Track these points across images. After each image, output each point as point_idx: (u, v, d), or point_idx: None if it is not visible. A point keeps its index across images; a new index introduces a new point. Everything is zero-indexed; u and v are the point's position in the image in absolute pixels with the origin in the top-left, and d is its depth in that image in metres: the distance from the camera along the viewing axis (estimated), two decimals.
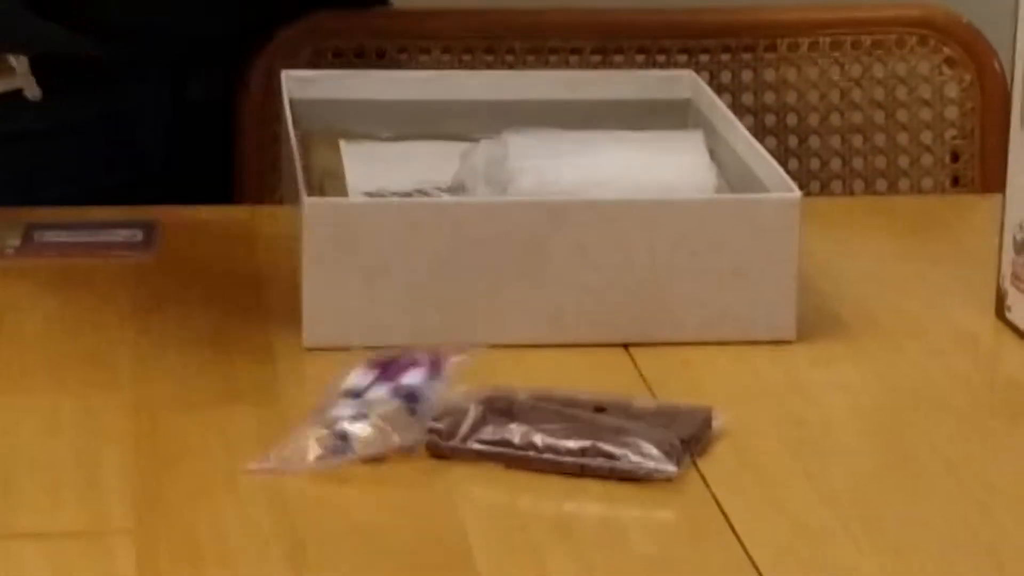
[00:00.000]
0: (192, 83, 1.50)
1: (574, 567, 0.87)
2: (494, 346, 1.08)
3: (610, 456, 0.94)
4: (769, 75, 1.53)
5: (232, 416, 1.02)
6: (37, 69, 1.45)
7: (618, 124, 1.26)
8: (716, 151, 1.21)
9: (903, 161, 1.53)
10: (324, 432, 0.94)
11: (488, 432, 0.96)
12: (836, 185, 1.54)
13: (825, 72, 1.53)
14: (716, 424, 0.99)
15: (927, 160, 1.53)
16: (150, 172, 1.47)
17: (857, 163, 1.53)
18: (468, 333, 1.09)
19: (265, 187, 1.45)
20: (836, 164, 1.53)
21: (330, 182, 1.20)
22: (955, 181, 1.52)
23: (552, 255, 1.10)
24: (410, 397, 0.96)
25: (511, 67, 1.50)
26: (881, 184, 1.53)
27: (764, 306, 1.12)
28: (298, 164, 1.17)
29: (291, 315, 1.11)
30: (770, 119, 1.53)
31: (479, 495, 0.94)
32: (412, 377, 0.97)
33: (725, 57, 1.53)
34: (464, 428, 0.96)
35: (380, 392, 0.97)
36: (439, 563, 0.88)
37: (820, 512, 0.92)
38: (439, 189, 1.20)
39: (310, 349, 1.09)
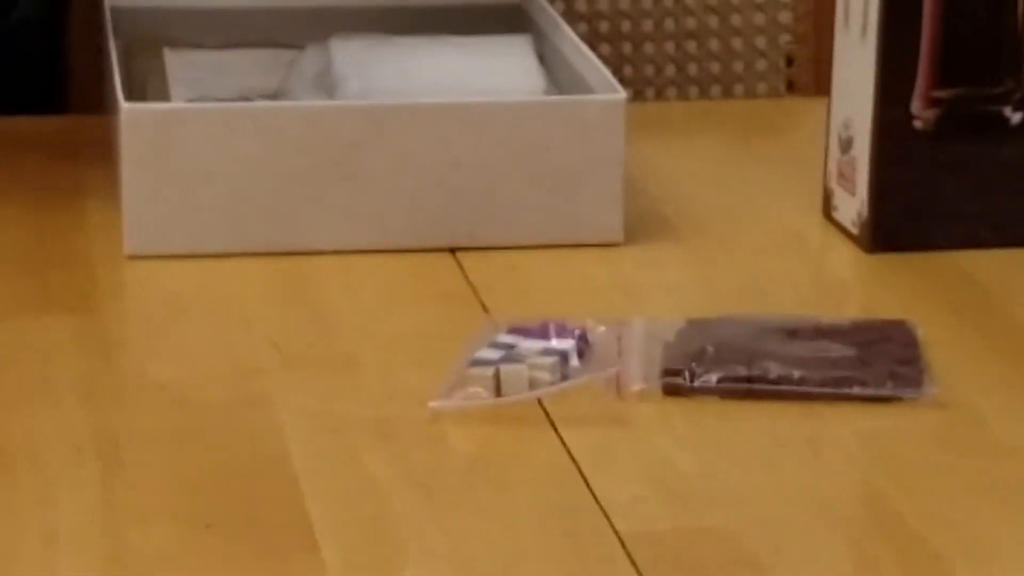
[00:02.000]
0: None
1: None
2: (318, 252, 1.09)
3: (865, 383, 0.94)
4: None
5: (48, 325, 1.01)
6: None
7: (447, 30, 1.26)
8: (545, 56, 1.22)
9: (738, 66, 1.54)
10: (491, 374, 0.93)
11: (719, 367, 0.95)
12: (671, 91, 1.54)
13: None
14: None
15: (762, 65, 1.54)
16: None
17: (692, 69, 1.54)
18: (291, 240, 1.10)
19: (90, 100, 1.44)
20: (671, 70, 1.54)
21: (153, 90, 1.20)
22: (790, 85, 1.54)
23: (375, 160, 1.10)
24: (562, 358, 0.95)
25: None
26: (716, 90, 1.55)
27: (591, 209, 1.12)
28: (116, 71, 1.16)
29: (113, 224, 1.11)
30: (604, 25, 1.53)
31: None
32: (559, 341, 0.96)
33: None
34: (696, 366, 0.95)
35: (532, 345, 0.96)
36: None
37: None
38: (263, 97, 1.20)
39: (131, 257, 1.09)
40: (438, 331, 0.99)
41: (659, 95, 1.54)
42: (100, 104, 1.44)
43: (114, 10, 1.26)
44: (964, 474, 0.88)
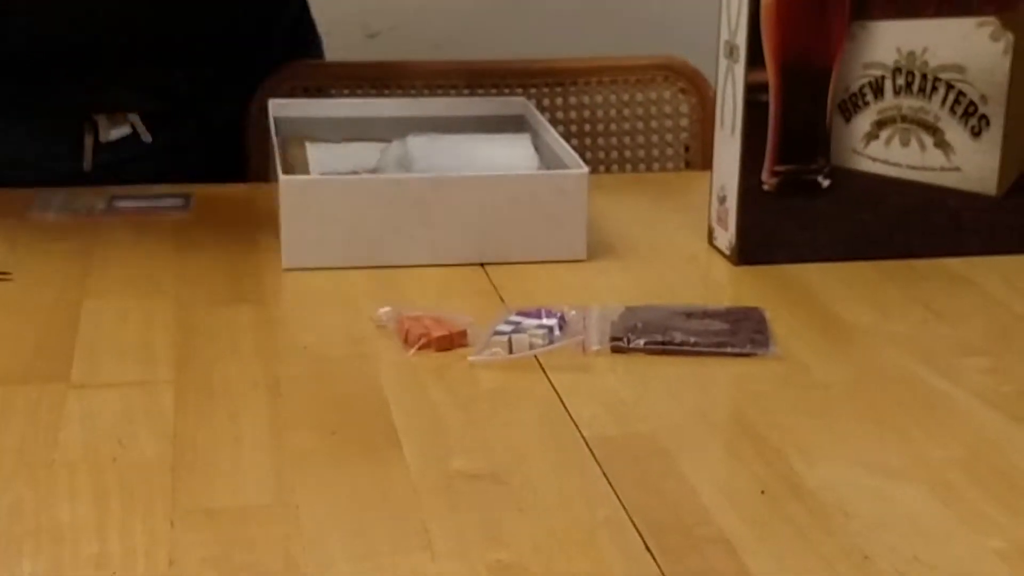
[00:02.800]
0: (226, 109, 1.48)
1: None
2: (401, 266, 1.08)
3: (733, 345, 0.94)
4: (572, 100, 1.53)
5: (238, 310, 1.01)
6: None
7: (478, 129, 1.26)
8: (539, 146, 1.21)
9: (656, 152, 1.54)
10: (506, 340, 0.93)
11: (645, 335, 0.94)
12: (615, 167, 1.54)
13: (607, 97, 1.53)
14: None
15: (670, 151, 1.53)
16: (191, 162, 1.43)
17: (627, 153, 1.54)
18: (384, 258, 1.09)
19: (263, 174, 1.44)
20: (614, 154, 1.54)
21: (299, 168, 1.20)
22: (687, 164, 1.53)
23: (435, 210, 1.09)
24: (551, 329, 0.95)
25: (412, 96, 1.49)
26: (642, 167, 1.54)
27: (566, 239, 1.11)
28: (277, 155, 1.16)
29: (275, 249, 1.10)
30: (573, 127, 1.53)
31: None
32: (547, 320, 0.96)
33: (545, 89, 1.53)
34: (631, 334, 0.94)
35: (531, 323, 0.95)
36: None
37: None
38: (367, 171, 1.19)
39: (287, 269, 1.08)
40: (474, 314, 0.98)
41: (607, 170, 1.54)
42: (265, 176, 1.44)
43: (276, 118, 1.26)
44: (794, 399, 0.88)
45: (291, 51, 1.51)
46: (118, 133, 1.40)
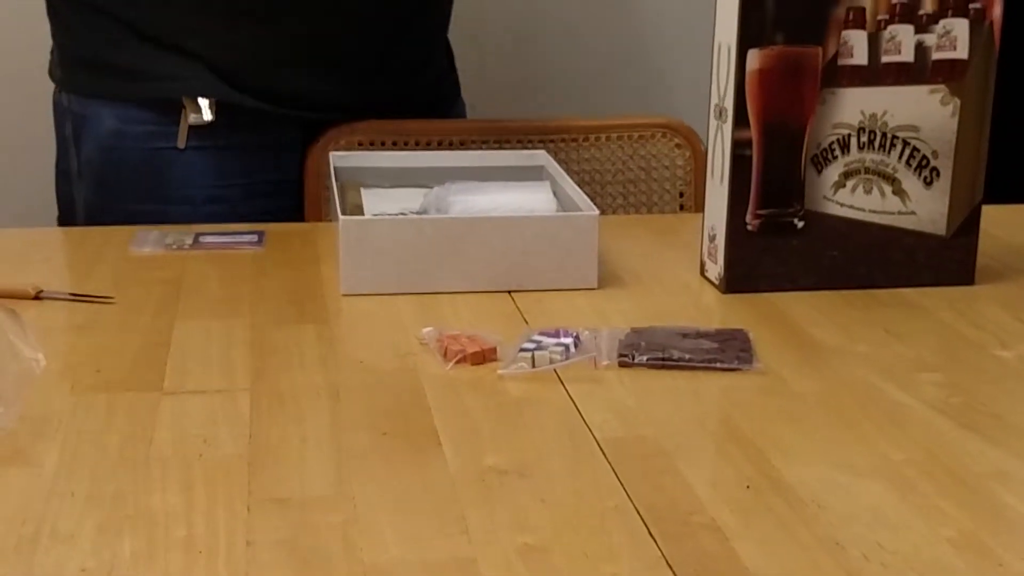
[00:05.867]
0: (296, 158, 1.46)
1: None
2: (441, 293, 1.08)
3: (722, 361, 0.93)
4: (585, 153, 1.53)
5: (304, 330, 1.01)
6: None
7: (506, 178, 1.25)
8: (557, 192, 1.21)
9: (655, 197, 1.53)
10: (530, 356, 0.93)
11: (647, 352, 0.94)
12: (621, 210, 1.53)
13: (614, 151, 1.53)
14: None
15: (668, 197, 1.53)
16: (264, 203, 1.42)
17: (631, 198, 1.53)
18: (427, 285, 1.08)
19: (323, 215, 1.44)
20: (620, 200, 1.53)
21: (354, 209, 1.20)
22: (682, 207, 1.53)
23: (470, 245, 1.09)
24: (568, 347, 0.94)
25: (450, 149, 1.49)
26: (644, 209, 1.54)
27: (580, 270, 1.10)
28: (336, 199, 1.16)
29: (335, 277, 1.10)
30: (586, 176, 1.53)
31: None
32: (565, 339, 0.95)
33: (562, 144, 1.53)
34: (635, 352, 0.94)
35: (551, 341, 0.95)
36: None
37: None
38: (414, 212, 1.19)
39: (345, 295, 1.08)
40: (502, 333, 0.97)
41: (614, 212, 1.53)
42: (318, 215, 1.43)
43: (336, 168, 1.26)
44: (775, 408, 0.88)
45: (432, 107, 1.49)
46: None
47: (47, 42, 1.44)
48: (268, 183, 1.42)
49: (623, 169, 1.52)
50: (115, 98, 1.37)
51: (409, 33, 1.42)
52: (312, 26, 1.36)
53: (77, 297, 1.05)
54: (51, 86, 1.44)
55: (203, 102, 1.35)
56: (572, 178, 1.21)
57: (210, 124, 1.36)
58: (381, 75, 1.42)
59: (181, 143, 1.36)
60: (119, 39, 1.36)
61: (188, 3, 1.33)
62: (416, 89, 1.47)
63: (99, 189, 1.40)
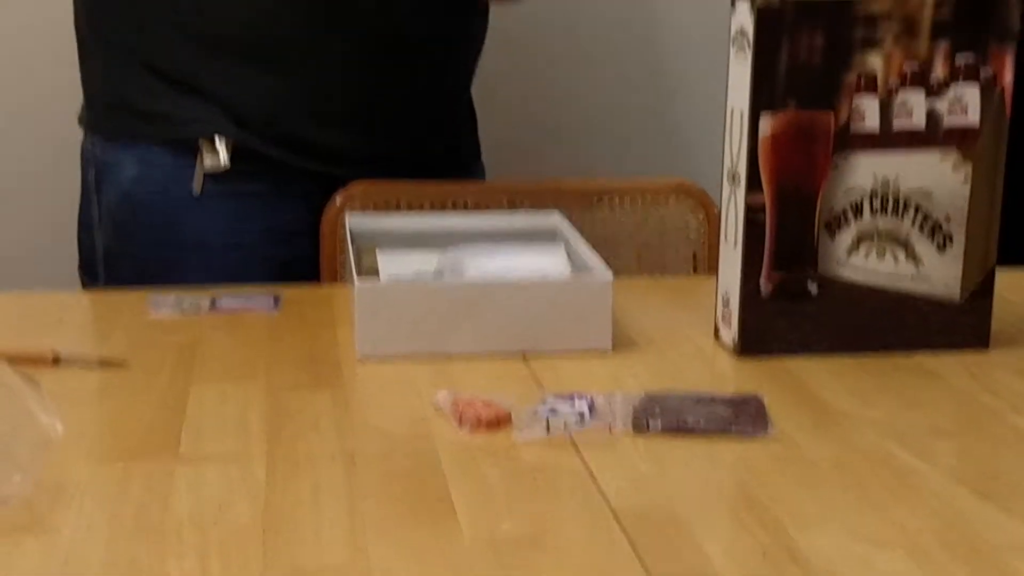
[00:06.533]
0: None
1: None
2: (455, 356, 1.08)
3: (737, 427, 0.93)
4: (599, 216, 1.54)
5: (319, 394, 1.01)
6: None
7: (521, 240, 1.26)
8: (571, 255, 1.21)
9: (669, 260, 1.53)
10: (545, 421, 0.93)
11: (662, 418, 0.94)
12: (635, 272, 1.54)
13: (628, 212, 1.54)
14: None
15: (681, 258, 1.53)
16: (280, 250, 1.42)
17: (645, 261, 1.54)
18: (441, 348, 1.08)
19: (338, 277, 1.45)
20: (634, 262, 1.54)
21: (370, 271, 1.20)
22: (695, 269, 1.53)
23: (484, 309, 1.09)
24: (582, 413, 0.94)
25: (465, 211, 1.50)
26: (657, 272, 1.54)
27: (594, 333, 1.10)
28: (352, 262, 1.17)
29: (350, 341, 1.10)
30: (600, 238, 1.52)
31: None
32: (581, 404, 0.95)
33: (576, 207, 1.53)
34: (650, 418, 0.94)
35: (565, 406, 0.95)
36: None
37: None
38: (429, 275, 1.19)
39: (360, 359, 1.08)
40: (517, 398, 0.98)
41: (628, 274, 1.53)
42: (339, 278, 1.44)
43: (351, 230, 1.26)
44: (790, 475, 0.88)
45: (450, 168, 1.50)
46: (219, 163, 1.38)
47: (78, 91, 1.47)
48: (284, 231, 1.43)
49: (637, 231, 1.53)
50: (135, 141, 1.40)
51: (429, 89, 1.43)
52: (327, 78, 1.37)
53: (94, 362, 1.06)
54: (78, 137, 1.46)
55: (220, 145, 1.36)
56: (586, 240, 1.22)
57: (226, 171, 1.37)
58: (398, 130, 1.43)
59: (197, 188, 1.37)
60: (141, 81, 1.38)
61: (207, 47, 1.35)
62: (434, 148, 1.48)
63: (117, 236, 1.41)
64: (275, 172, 1.40)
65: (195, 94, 1.37)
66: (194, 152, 1.37)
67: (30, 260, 1.82)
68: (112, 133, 1.42)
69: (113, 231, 1.42)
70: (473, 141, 1.56)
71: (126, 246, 1.41)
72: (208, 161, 1.36)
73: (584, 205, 1.53)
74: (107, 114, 1.43)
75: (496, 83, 1.89)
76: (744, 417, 0.95)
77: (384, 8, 1.36)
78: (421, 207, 1.48)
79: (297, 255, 1.42)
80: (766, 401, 0.98)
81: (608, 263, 1.14)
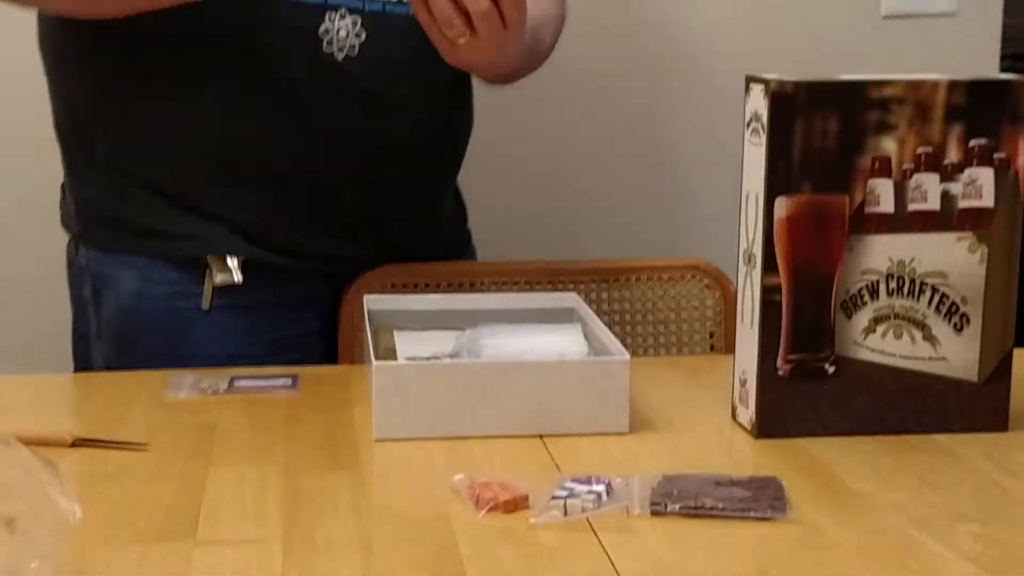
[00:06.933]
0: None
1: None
2: (473, 437, 1.08)
3: (756, 510, 0.93)
4: (616, 294, 1.54)
5: (337, 476, 1.01)
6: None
7: (538, 320, 1.27)
8: (588, 335, 1.22)
9: (686, 338, 1.53)
10: (562, 504, 0.93)
11: (680, 501, 0.94)
12: (652, 351, 1.53)
13: (644, 292, 1.54)
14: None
15: (698, 338, 1.53)
16: (290, 357, 1.39)
17: (661, 339, 1.54)
18: (459, 430, 1.08)
19: (356, 357, 1.44)
20: (651, 340, 1.54)
21: (387, 353, 1.20)
22: (712, 348, 1.53)
23: (502, 390, 1.09)
24: (600, 495, 0.94)
25: (482, 292, 1.50)
26: (674, 350, 1.53)
27: (611, 414, 1.10)
28: (370, 342, 1.17)
29: (368, 422, 1.10)
30: (616, 316, 1.54)
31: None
32: (597, 486, 0.95)
33: (593, 285, 1.53)
34: (668, 500, 0.94)
35: (582, 488, 0.95)
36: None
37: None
38: (446, 355, 1.20)
39: (377, 440, 1.08)
40: (534, 480, 0.97)
41: (645, 353, 1.53)
42: (357, 359, 1.43)
43: (369, 311, 1.27)
44: (810, 559, 0.87)
45: (444, 257, 1.50)
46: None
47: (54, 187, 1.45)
48: (294, 338, 1.42)
49: (653, 310, 1.53)
50: (137, 256, 1.37)
51: (424, 190, 1.45)
52: (322, 190, 1.38)
53: (112, 444, 1.06)
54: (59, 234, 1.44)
55: (232, 262, 1.35)
56: (603, 319, 1.22)
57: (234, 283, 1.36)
58: (398, 232, 1.44)
59: (206, 304, 1.36)
60: (140, 199, 1.36)
61: (203, 166, 1.35)
62: (433, 245, 1.49)
63: (119, 350, 1.39)
64: (283, 281, 1.39)
65: (197, 210, 1.35)
66: (199, 267, 1.36)
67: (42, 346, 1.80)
68: (110, 246, 1.38)
69: (114, 344, 1.40)
70: (466, 230, 1.57)
71: (128, 360, 1.37)
72: (219, 277, 1.35)
73: (600, 284, 1.53)
74: (103, 229, 1.39)
75: (513, 164, 1.92)
76: (763, 499, 0.94)
77: (380, 121, 1.36)
78: (438, 287, 1.49)
79: (308, 361, 1.41)
80: (784, 483, 0.97)
81: (625, 342, 1.14)
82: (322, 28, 1.31)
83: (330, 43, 1.32)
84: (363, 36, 1.32)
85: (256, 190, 1.36)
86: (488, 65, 1.27)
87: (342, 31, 1.32)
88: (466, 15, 1.15)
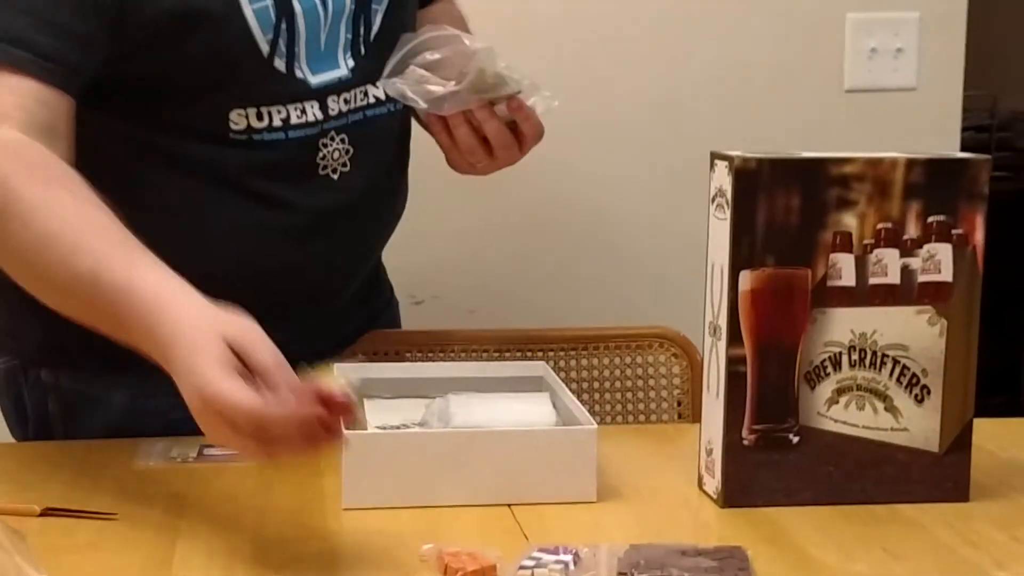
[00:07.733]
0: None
1: None
2: (441, 506, 1.08)
3: None
4: (583, 361, 1.55)
5: (306, 546, 1.01)
6: None
7: (507, 388, 1.27)
8: (556, 403, 1.22)
9: (653, 406, 1.54)
10: (529, 573, 0.94)
11: (646, 571, 0.94)
12: (619, 419, 1.54)
13: (612, 360, 1.55)
14: None
15: (665, 405, 1.54)
16: None
17: (629, 406, 1.55)
18: (426, 498, 1.09)
19: None
20: (619, 407, 1.55)
21: (357, 424, 1.20)
22: (680, 415, 1.53)
23: (472, 458, 1.10)
24: (567, 564, 0.95)
25: (451, 360, 1.50)
26: (642, 418, 1.54)
27: (579, 483, 1.11)
28: None
29: (338, 491, 1.10)
30: (584, 384, 1.54)
31: None
32: (564, 556, 0.96)
33: (561, 353, 1.54)
34: (634, 570, 0.94)
35: (550, 558, 0.96)
36: None
37: None
38: (415, 424, 1.20)
39: (346, 509, 1.08)
40: (502, 549, 0.98)
41: (613, 420, 1.54)
42: None
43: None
44: None
45: (364, 319, 1.49)
46: None
47: None
48: None
49: (621, 378, 1.54)
50: (124, 371, 1.26)
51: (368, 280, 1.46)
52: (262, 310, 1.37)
53: (81, 514, 1.06)
54: None
55: None
56: (571, 387, 1.23)
57: None
58: (345, 327, 1.45)
59: None
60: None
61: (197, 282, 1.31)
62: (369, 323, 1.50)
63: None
64: None
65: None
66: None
67: None
68: (89, 367, 1.33)
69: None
70: (388, 286, 1.57)
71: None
72: None
73: (569, 352, 1.54)
74: (83, 351, 1.27)
75: (481, 235, 1.93)
76: (728, 570, 0.95)
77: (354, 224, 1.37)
78: (408, 355, 1.49)
79: None
80: (750, 553, 0.98)
81: (594, 409, 1.16)
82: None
83: (324, 167, 1.31)
84: (351, 151, 1.33)
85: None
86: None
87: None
88: (485, 140, 1.18)
